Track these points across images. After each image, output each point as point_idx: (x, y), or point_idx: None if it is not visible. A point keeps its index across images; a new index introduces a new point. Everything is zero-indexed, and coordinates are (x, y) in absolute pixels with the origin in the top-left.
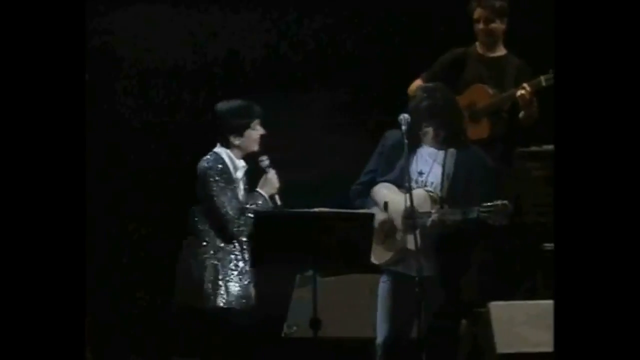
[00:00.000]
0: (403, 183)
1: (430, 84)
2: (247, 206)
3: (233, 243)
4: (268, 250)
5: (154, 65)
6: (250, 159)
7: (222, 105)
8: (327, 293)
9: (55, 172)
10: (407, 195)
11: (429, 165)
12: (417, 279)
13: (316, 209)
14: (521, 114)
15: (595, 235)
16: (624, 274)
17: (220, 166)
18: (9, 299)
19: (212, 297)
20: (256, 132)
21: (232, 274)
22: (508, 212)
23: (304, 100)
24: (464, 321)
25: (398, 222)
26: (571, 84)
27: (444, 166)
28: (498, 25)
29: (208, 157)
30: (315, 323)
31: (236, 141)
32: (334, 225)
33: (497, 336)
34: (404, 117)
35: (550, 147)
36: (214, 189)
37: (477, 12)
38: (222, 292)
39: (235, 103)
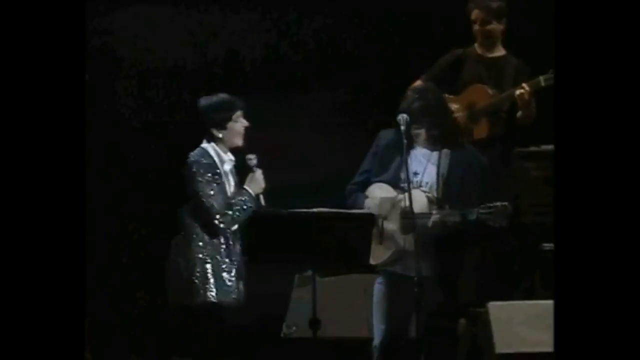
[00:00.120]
0: (398, 183)
1: (421, 85)
2: (234, 201)
3: (219, 238)
4: (267, 250)
5: (154, 65)
6: (238, 153)
7: (203, 101)
8: (327, 293)
9: (55, 172)
10: (407, 195)
11: (423, 165)
12: (416, 279)
13: (316, 209)
14: (519, 114)
15: (595, 235)
16: (624, 274)
17: (204, 160)
18: (9, 299)
19: (201, 292)
20: (239, 124)
21: (221, 268)
22: (508, 214)
23: (304, 100)
24: (463, 321)
25: (394, 222)
26: (571, 84)
27: (438, 166)
28: (495, 26)
29: (195, 152)
30: (314, 323)
31: (219, 134)
32: (334, 225)
33: (497, 336)
34: (403, 117)
35: (549, 147)
36: (200, 182)
37: (474, 14)
38: (211, 286)
39: (216, 97)
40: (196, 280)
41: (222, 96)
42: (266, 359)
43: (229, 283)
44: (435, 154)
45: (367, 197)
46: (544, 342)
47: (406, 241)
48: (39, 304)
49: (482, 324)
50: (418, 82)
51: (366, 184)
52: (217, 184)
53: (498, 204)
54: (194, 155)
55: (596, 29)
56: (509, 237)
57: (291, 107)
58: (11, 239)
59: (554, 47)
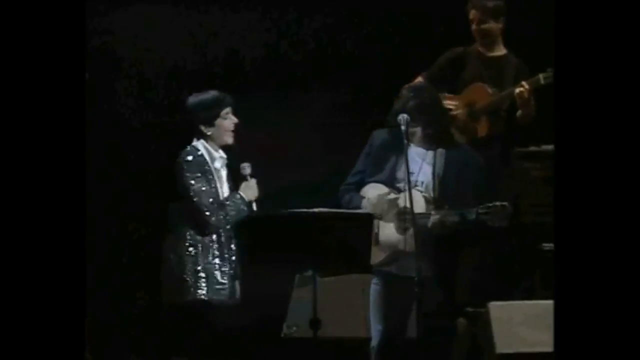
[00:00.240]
0: (394, 183)
1: (416, 84)
2: (227, 202)
3: (211, 236)
4: (267, 250)
5: (154, 65)
6: (242, 156)
7: (191, 99)
8: (327, 293)
9: (56, 172)
10: (408, 195)
11: (418, 165)
12: (417, 279)
13: (316, 209)
14: (519, 113)
15: (595, 235)
16: (624, 274)
17: (194, 158)
18: (9, 299)
19: (192, 290)
20: (228, 121)
21: (213, 266)
22: (507, 214)
23: (304, 100)
24: (463, 321)
25: (390, 222)
26: (570, 83)
27: (433, 166)
28: (493, 25)
29: (185, 150)
30: (315, 323)
31: (208, 131)
32: (334, 225)
33: (497, 336)
34: (404, 117)
35: (549, 147)
36: (190, 179)
37: (472, 13)
38: (201, 284)
39: (203, 94)
40: (187, 278)
41: (210, 93)
42: (266, 359)
43: (222, 281)
44: (430, 153)
45: (362, 197)
46: (544, 342)
47: (402, 241)
48: (39, 304)
49: (483, 324)
50: (418, 79)
51: (360, 184)
52: (208, 181)
53: (497, 203)
54: (183, 152)
55: (596, 28)
56: (509, 237)
57: (291, 107)
58: (11, 239)
59: (553, 46)
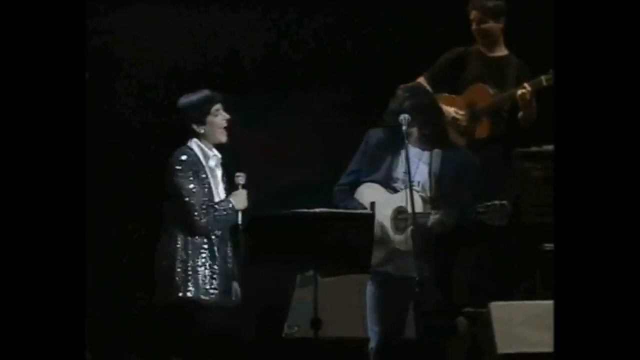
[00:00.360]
0: (390, 183)
1: (411, 84)
2: (217, 206)
3: (201, 237)
4: (267, 250)
5: (153, 65)
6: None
7: (182, 99)
8: (328, 293)
9: (56, 172)
10: (408, 195)
11: (415, 165)
12: (417, 279)
13: (316, 209)
14: (520, 114)
15: (595, 236)
16: (624, 274)
17: (185, 157)
18: (9, 299)
19: (181, 289)
20: (220, 118)
21: (203, 266)
22: (507, 212)
23: (304, 100)
24: (463, 321)
25: (386, 222)
26: (571, 84)
27: (430, 166)
28: (493, 26)
29: (178, 149)
30: (316, 323)
31: (200, 129)
32: (334, 225)
33: (498, 336)
34: (405, 117)
35: (550, 147)
36: (181, 177)
37: (472, 13)
38: (189, 285)
39: (193, 93)
40: (176, 277)
41: (199, 91)
42: (267, 359)
43: (212, 281)
44: (426, 153)
45: (359, 199)
46: (544, 342)
47: (398, 241)
48: (39, 304)
49: (483, 324)
50: (419, 80)
51: (355, 184)
52: (200, 180)
53: (496, 202)
54: (177, 152)
55: (596, 28)
56: (510, 237)
57: (291, 107)
58: (11, 239)
59: (554, 47)
